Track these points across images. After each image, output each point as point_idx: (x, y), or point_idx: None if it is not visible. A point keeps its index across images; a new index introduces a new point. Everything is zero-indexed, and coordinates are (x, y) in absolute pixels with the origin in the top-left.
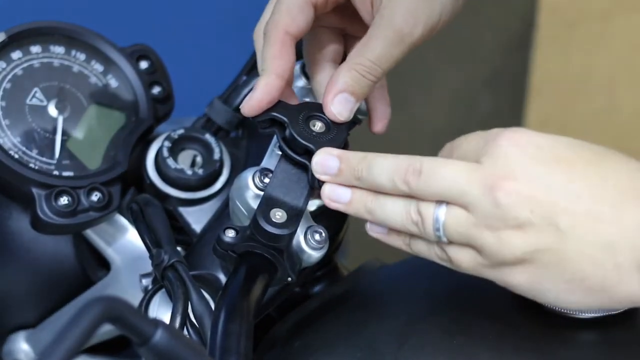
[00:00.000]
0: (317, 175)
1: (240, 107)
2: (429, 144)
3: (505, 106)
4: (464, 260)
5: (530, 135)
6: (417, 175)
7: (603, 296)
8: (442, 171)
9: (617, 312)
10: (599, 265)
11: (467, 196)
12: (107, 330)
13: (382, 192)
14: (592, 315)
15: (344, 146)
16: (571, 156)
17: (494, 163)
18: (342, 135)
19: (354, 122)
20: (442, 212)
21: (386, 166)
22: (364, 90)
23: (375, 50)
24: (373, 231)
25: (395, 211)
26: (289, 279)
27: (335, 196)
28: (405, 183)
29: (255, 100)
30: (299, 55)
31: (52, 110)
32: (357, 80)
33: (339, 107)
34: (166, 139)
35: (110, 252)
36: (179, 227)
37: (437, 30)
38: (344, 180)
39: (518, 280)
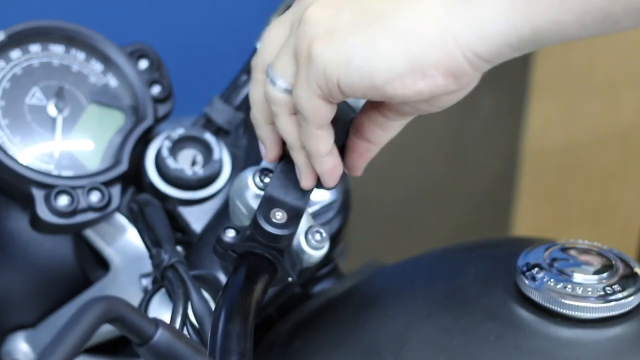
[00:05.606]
0: None
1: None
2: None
3: (506, 106)
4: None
5: None
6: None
7: (415, 45)
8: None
9: (617, 313)
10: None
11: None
12: (106, 330)
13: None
14: (593, 315)
15: (344, 144)
16: None
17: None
18: (342, 133)
19: (352, 119)
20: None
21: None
22: None
23: None
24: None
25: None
26: (290, 279)
27: None
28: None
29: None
30: None
31: (52, 110)
32: None
33: None
34: (166, 138)
35: (109, 251)
36: (179, 227)
37: None
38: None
39: (338, 54)
